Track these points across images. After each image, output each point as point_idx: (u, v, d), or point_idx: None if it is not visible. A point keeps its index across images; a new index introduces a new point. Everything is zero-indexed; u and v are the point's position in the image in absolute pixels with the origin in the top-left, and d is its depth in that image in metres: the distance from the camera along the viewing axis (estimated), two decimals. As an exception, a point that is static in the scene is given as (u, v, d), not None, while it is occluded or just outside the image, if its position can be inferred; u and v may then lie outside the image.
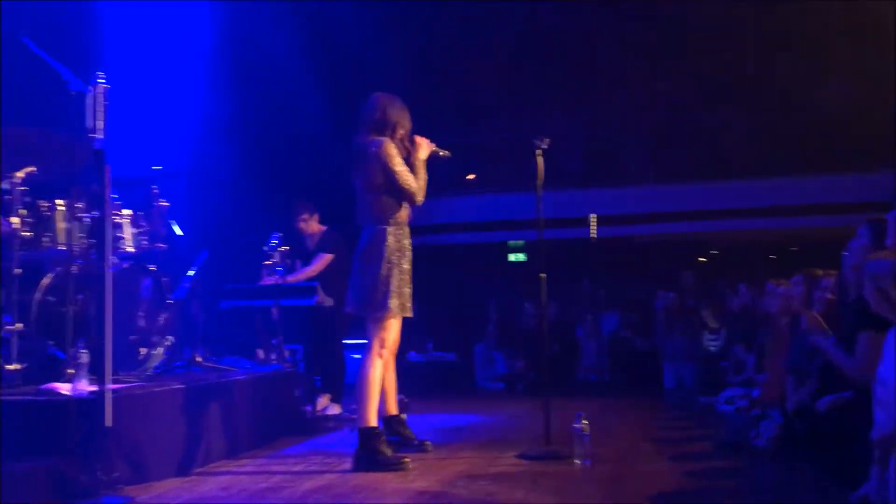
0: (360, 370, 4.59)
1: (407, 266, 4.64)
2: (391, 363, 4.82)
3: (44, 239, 4.88)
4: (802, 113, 10.97)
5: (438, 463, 4.62)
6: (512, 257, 13.31)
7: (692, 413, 6.95)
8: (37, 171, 4.82)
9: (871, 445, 3.10)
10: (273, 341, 6.34)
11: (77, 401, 3.84)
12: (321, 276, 6.43)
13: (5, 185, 4.72)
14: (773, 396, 5.23)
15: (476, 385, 9.89)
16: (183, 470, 4.39)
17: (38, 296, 4.76)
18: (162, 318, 5.30)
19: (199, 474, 4.41)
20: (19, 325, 4.60)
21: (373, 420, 4.52)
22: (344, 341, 6.82)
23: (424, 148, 4.80)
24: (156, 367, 5.17)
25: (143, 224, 5.38)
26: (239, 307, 6.65)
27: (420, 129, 4.88)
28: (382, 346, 4.59)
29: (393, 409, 4.98)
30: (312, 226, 6.73)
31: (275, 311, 6.27)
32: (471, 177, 12.43)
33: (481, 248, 12.54)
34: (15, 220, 4.67)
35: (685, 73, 11.72)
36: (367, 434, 4.49)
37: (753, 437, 4.93)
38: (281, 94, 9.38)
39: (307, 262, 6.68)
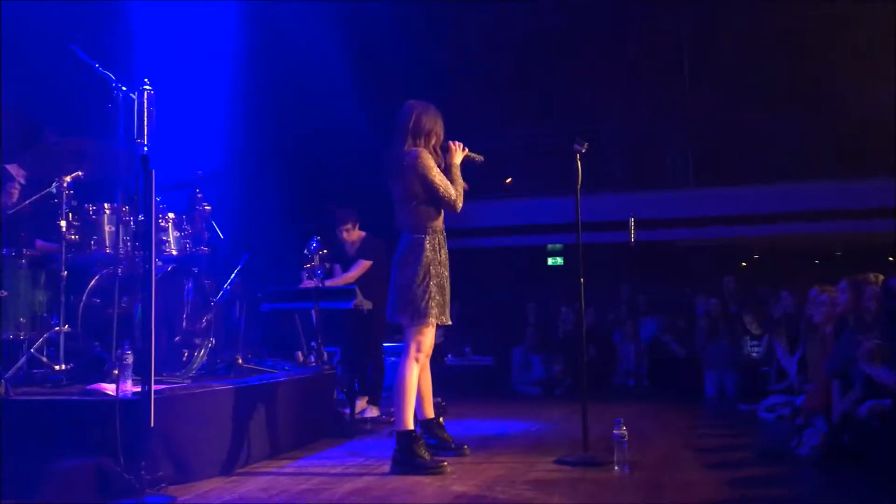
0: (397, 374, 4.62)
1: (445, 273, 4.67)
2: (427, 367, 4.85)
3: (91, 242, 4.99)
4: (848, 116, 10.79)
5: (476, 467, 4.62)
6: (550, 261, 13.25)
7: (733, 420, 6.86)
8: (83, 175, 4.93)
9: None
10: (312, 344, 6.39)
11: (122, 401, 3.91)
12: (360, 281, 6.48)
13: (53, 189, 4.83)
14: (817, 405, 5.14)
15: (513, 389, 9.87)
16: (225, 470, 4.45)
17: (84, 298, 4.86)
18: (204, 320, 5.37)
19: (240, 474, 4.47)
20: (66, 327, 4.71)
21: (410, 423, 4.55)
22: (382, 345, 6.86)
23: (458, 153, 4.81)
24: (198, 369, 5.24)
25: (187, 227, 5.46)
26: (279, 309, 6.71)
27: (461, 132, 4.89)
28: (419, 351, 4.63)
29: (430, 412, 5.00)
30: (353, 234, 6.78)
31: (314, 313, 6.32)
32: (508, 181, 12.41)
33: (520, 252, 12.52)
34: (62, 223, 4.78)
35: (727, 76, 11.58)
36: (405, 437, 4.51)
37: (795, 446, 4.86)
38: (322, 99, 9.45)
39: (346, 267, 6.74)
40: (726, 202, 11.31)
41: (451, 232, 4.83)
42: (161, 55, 6.70)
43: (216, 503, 3.85)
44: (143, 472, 3.75)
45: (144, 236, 4.07)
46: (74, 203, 4.94)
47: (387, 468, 4.52)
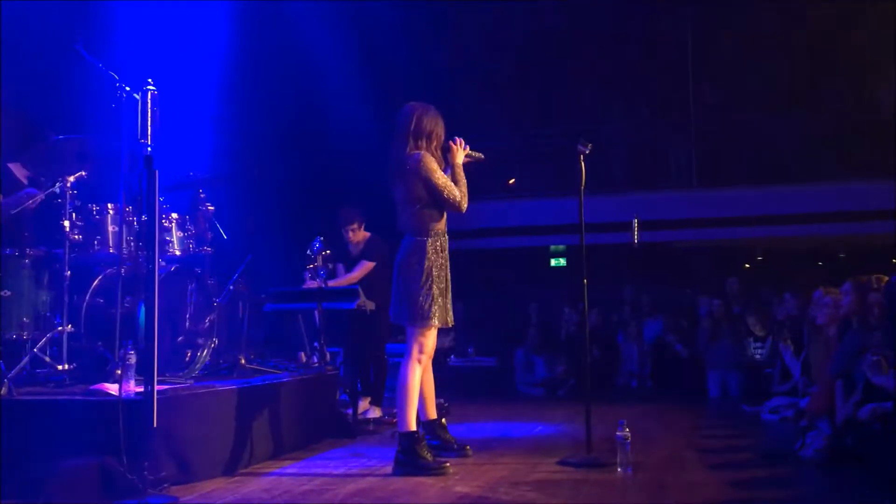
0: (399, 375, 4.62)
1: (446, 275, 4.67)
2: (429, 368, 4.84)
3: (94, 242, 4.99)
4: (852, 117, 10.76)
5: (479, 468, 4.62)
6: (553, 262, 13.25)
7: (736, 422, 6.85)
8: (86, 175, 4.94)
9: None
10: (315, 344, 6.39)
11: (125, 401, 3.91)
12: (363, 282, 6.47)
13: (57, 189, 4.84)
14: (821, 407, 5.13)
15: (516, 390, 9.86)
16: (228, 470, 4.45)
17: (87, 298, 4.86)
18: (207, 321, 5.38)
19: (243, 475, 4.47)
20: (69, 327, 4.71)
21: (413, 424, 4.55)
22: (385, 345, 6.85)
23: (460, 153, 4.81)
24: (201, 369, 5.24)
25: (190, 228, 5.47)
26: (282, 310, 6.71)
27: (463, 133, 4.88)
28: (421, 352, 4.63)
29: (433, 413, 4.99)
30: (358, 234, 6.77)
31: (317, 314, 6.32)
32: (511, 182, 12.41)
33: (523, 253, 12.50)
34: (66, 223, 4.78)
35: (730, 78, 11.56)
36: (408, 438, 4.51)
37: (799, 448, 4.85)
38: (325, 99, 9.46)
39: (350, 267, 6.74)
40: (730, 203, 11.28)
41: (453, 233, 4.82)
42: (164, 55, 6.70)
43: (219, 503, 3.85)
44: (145, 473, 3.75)
45: (148, 236, 4.07)
46: (78, 203, 4.95)
47: (389, 469, 4.52)
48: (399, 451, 4.51)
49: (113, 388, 4.11)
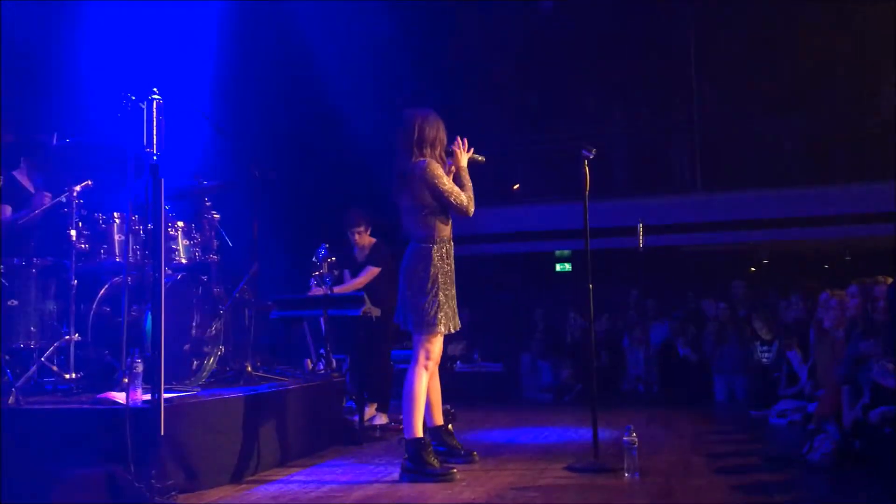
0: (406, 381, 4.62)
1: (452, 281, 4.67)
2: (436, 374, 4.84)
3: (100, 251, 5.01)
4: (855, 119, 10.74)
5: (485, 474, 4.62)
6: (559, 267, 13.24)
7: (743, 426, 6.83)
8: (92, 184, 4.96)
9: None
10: (321, 351, 6.40)
11: (132, 410, 3.91)
12: (369, 288, 6.48)
13: (63, 199, 4.86)
14: (828, 411, 5.12)
15: (522, 396, 9.85)
16: (235, 478, 4.45)
17: (94, 307, 4.88)
18: (214, 329, 5.39)
19: (250, 482, 4.47)
20: (76, 336, 4.73)
21: (419, 431, 4.54)
22: (391, 351, 6.85)
23: (464, 156, 4.81)
24: (208, 377, 5.25)
25: (196, 236, 5.48)
26: (288, 317, 6.72)
27: (466, 136, 4.88)
28: (428, 359, 4.63)
29: (439, 419, 4.99)
30: (364, 238, 6.78)
31: (323, 321, 6.32)
32: (516, 187, 12.41)
33: (528, 258, 12.50)
34: (72, 232, 4.80)
35: (734, 81, 11.55)
36: (415, 445, 4.51)
37: (806, 452, 4.84)
38: (330, 106, 9.48)
39: (356, 273, 6.74)
40: (734, 207, 11.27)
41: (458, 239, 4.82)
42: (169, 62, 6.73)
43: (226, 511, 3.86)
44: (153, 481, 3.76)
45: (154, 245, 4.08)
46: (84, 212, 4.97)
47: (396, 476, 4.52)
48: (406, 458, 4.51)
49: (120, 397, 4.12)
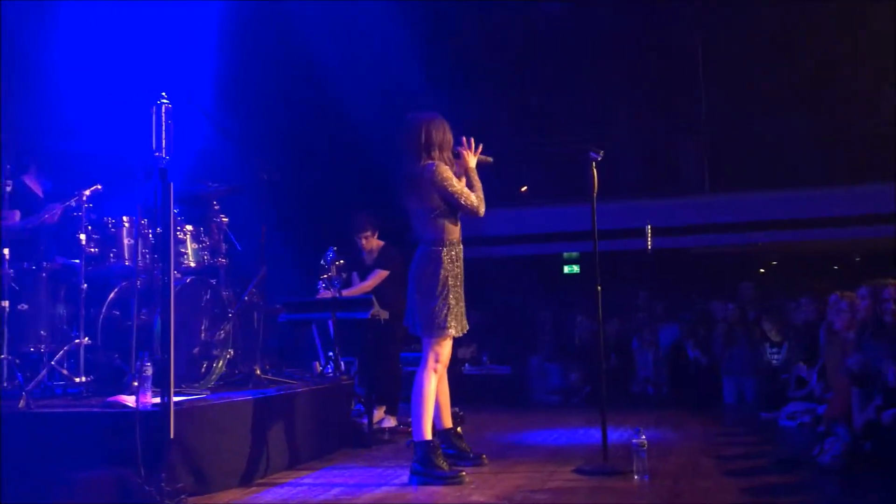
0: (415, 385, 4.62)
1: (461, 283, 4.66)
2: (445, 377, 4.84)
3: (110, 255, 5.03)
4: (864, 120, 10.70)
5: (495, 477, 4.61)
6: (567, 269, 13.22)
7: (753, 428, 6.81)
8: (101, 188, 4.99)
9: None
10: (329, 354, 6.40)
11: (141, 413, 3.93)
12: (377, 290, 6.48)
13: (72, 203, 4.88)
14: (838, 413, 5.10)
15: (531, 398, 9.83)
16: (244, 481, 4.46)
17: (104, 310, 4.90)
18: (223, 332, 5.40)
19: (259, 485, 4.48)
20: (86, 339, 4.75)
21: (428, 433, 4.54)
22: (399, 354, 6.85)
23: (472, 157, 4.81)
24: (217, 380, 5.27)
25: (204, 239, 5.50)
26: (296, 320, 6.73)
27: (475, 138, 4.88)
28: (437, 361, 4.62)
29: (448, 422, 4.98)
30: (372, 242, 6.78)
31: (331, 324, 6.33)
32: (524, 189, 12.41)
33: (536, 260, 12.48)
34: (82, 236, 4.82)
35: (742, 82, 11.52)
36: (423, 447, 4.50)
37: (817, 454, 4.82)
38: (339, 109, 9.49)
39: (364, 276, 6.75)
40: (743, 208, 11.24)
41: (466, 241, 4.81)
42: (173, 65, 6.74)
43: (236, 514, 3.87)
44: (162, 484, 3.77)
45: (163, 248, 4.10)
46: (94, 216, 4.99)
47: (405, 478, 4.52)
48: (415, 461, 4.51)
49: (130, 400, 4.13)
